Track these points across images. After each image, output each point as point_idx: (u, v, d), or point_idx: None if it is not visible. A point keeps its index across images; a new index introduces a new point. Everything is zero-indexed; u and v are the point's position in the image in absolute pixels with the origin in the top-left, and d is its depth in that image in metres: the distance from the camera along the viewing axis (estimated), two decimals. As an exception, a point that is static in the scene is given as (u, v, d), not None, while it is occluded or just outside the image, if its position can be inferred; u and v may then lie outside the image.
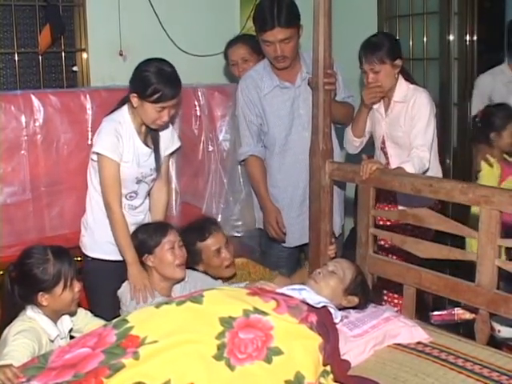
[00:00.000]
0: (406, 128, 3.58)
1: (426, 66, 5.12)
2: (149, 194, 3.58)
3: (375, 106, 3.74)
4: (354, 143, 3.80)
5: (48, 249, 2.87)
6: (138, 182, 3.43)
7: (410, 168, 3.31)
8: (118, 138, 3.29)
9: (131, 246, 3.27)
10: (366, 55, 3.59)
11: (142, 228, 3.35)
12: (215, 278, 3.44)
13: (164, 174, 3.59)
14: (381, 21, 5.33)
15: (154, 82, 3.21)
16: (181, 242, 3.30)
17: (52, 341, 2.82)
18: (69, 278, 2.83)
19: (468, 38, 4.86)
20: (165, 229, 3.29)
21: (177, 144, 3.63)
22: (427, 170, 3.48)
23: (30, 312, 2.84)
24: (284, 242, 3.94)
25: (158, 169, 3.49)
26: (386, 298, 3.89)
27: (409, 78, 3.72)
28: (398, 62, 3.61)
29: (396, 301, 3.83)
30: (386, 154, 3.75)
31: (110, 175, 3.29)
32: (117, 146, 3.28)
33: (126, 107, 3.38)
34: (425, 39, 5.12)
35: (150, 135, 3.45)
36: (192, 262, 3.39)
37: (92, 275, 3.45)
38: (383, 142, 3.73)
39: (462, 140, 4.99)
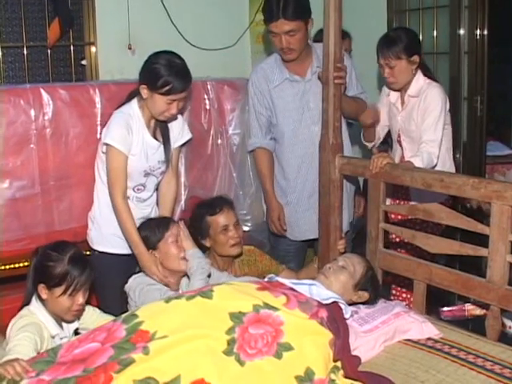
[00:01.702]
0: (419, 122, 3.57)
1: (435, 60, 5.09)
2: (157, 187, 3.58)
3: (392, 100, 3.74)
4: (368, 145, 3.88)
5: (70, 251, 2.87)
6: (146, 174, 3.43)
7: (418, 163, 3.30)
8: (128, 131, 3.29)
9: (137, 236, 3.26)
10: (383, 49, 3.58)
11: (144, 224, 3.35)
12: (221, 255, 3.48)
13: (173, 166, 3.58)
14: (391, 15, 5.31)
15: (165, 74, 3.20)
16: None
17: (53, 337, 2.82)
18: (72, 287, 2.81)
19: (478, 32, 4.82)
20: (167, 223, 3.32)
21: (187, 136, 3.62)
22: (435, 166, 3.46)
23: (34, 307, 2.86)
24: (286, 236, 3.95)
25: (167, 161, 3.48)
26: (393, 291, 3.88)
27: (428, 73, 3.70)
28: (416, 58, 3.59)
29: (404, 295, 3.83)
30: (401, 147, 3.75)
31: (118, 167, 3.28)
32: (126, 139, 3.28)
33: (135, 100, 3.38)
34: (435, 33, 5.09)
35: (159, 128, 3.45)
36: (199, 235, 3.44)
37: (99, 269, 3.41)
38: (399, 136, 3.72)
39: (472, 134, 4.96)
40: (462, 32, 4.88)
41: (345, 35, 4.52)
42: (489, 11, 4.82)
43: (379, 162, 3.15)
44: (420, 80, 3.63)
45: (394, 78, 3.60)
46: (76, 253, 2.89)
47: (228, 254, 3.49)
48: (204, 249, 3.46)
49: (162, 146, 3.44)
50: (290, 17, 3.51)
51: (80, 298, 2.85)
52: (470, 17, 4.84)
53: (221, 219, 3.47)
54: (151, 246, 3.26)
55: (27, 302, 2.90)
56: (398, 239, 3.74)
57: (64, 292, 2.81)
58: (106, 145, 3.30)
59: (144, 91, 3.27)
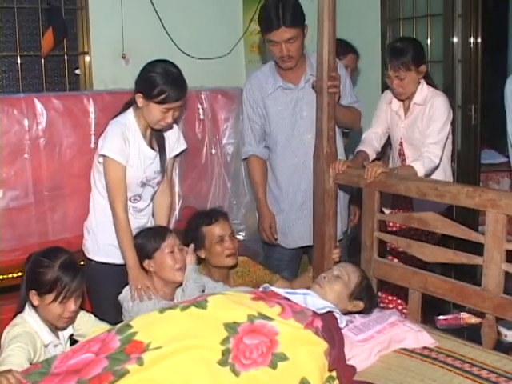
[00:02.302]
0: (423, 130, 3.58)
1: (430, 68, 5.07)
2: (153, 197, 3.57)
3: (394, 108, 3.74)
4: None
5: (61, 257, 2.86)
6: (143, 185, 3.42)
7: (419, 167, 3.33)
8: (125, 141, 3.29)
9: (133, 250, 3.26)
10: (392, 61, 3.57)
11: (141, 233, 3.34)
12: (216, 266, 3.46)
13: (168, 176, 3.58)
14: (384, 23, 5.33)
15: (161, 82, 3.20)
16: (181, 246, 3.31)
17: (45, 346, 2.81)
18: (63, 294, 2.80)
19: (472, 40, 4.83)
20: (163, 233, 3.30)
21: (182, 146, 3.62)
22: (437, 167, 3.47)
23: (27, 314, 2.85)
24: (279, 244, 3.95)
25: (163, 171, 3.48)
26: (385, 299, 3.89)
27: (430, 82, 3.72)
28: (423, 67, 3.61)
29: (394, 303, 3.84)
30: (403, 156, 3.75)
31: (117, 178, 3.28)
32: (123, 150, 3.28)
33: (131, 110, 3.38)
34: (428, 41, 5.10)
35: (155, 137, 3.44)
36: (194, 247, 3.41)
37: (94, 279, 3.43)
38: (401, 144, 3.73)
39: (467, 143, 4.96)
40: (455, 40, 4.90)
41: (349, 50, 4.51)
42: (482, 19, 4.83)
43: (374, 172, 3.15)
44: (424, 88, 3.64)
45: (402, 88, 3.60)
46: (67, 259, 2.87)
47: (223, 265, 3.46)
48: (199, 260, 3.45)
49: (158, 156, 3.44)
50: (290, 24, 3.52)
51: (72, 305, 2.84)
52: (463, 25, 4.86)
53: (216, 230, 3.45)
54: (147, 255, 3.25)
55: (21, 310, 2.89)
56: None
57: (55, 299, 2.79)
58: (104, 156, 3.29)
59: (140, 100, 3.27)
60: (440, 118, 3.53)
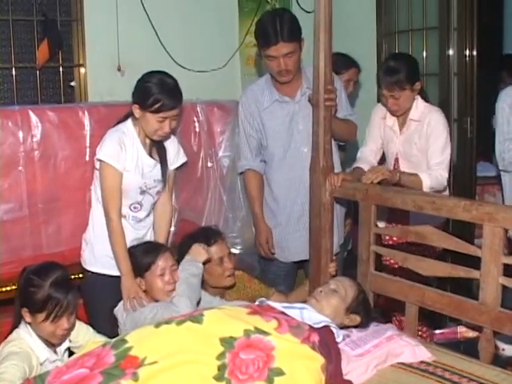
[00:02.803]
0: (421, 146, 3.58)
1: (425, 81, 5.09)
2: (153, 209, 3.55)
3: (389, 123, 3.73)
4: None
5: (53, 275, 2.82)
6: (142, 192, 3.40)
7: (426, 179, 3.36)
8: (122, 147, 3.28)
9: (126, 257, 3.24)
10: (385, 81, 3.56)
11: (137, 248, 3.31)
12: (215, 287, 3.42)
13: (168, 189, 3.56)
14: (380, 36, 5.34)
15: (155, 92, 3.21)
16: (174, 266, 3.24)
17: (41, 364, 2.78)
18: (54, 313, 2.77)
19: (467, 52, 4.83)
20: (156, 252, 3.24)
21: (182, 159, 3.61)
22: (443, 191, 3.47)
23: (23, 330, 2.83)
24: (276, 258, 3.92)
25: (163, 181, 3.46)
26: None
27: (423, 96, 3.71)
28: (418, 84, 3.60)
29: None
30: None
31: (112, 183, 3.27)
32: (119, 155, 3.27)
33: (129, 120, 3.38)
34: (424, 54, 5.11)
35: (155, 147, 3.44)
36: None
37: (91, 290, 3.43)
38: (396, 160, 3.72)
39: (462, 156, 4.96)
40: (451, 53, 4.90)
41: (352, 64, 4.51)
42: (477, 32, 4.84)
43: (374, 178, 3.16)
44: (420, 104, 3.64)
45: (397, 106, 3.60)
46: (59, 277, 2.83)
47: (223, 285, 3.42)
48: None
49: (158, 165, 3.43)
50: (288, 39, 3.52)
51: (64, 323, 2.81)
52: (458, 38, 4.86)
53: (216, 251, 3.39)
54: (138, 273, 3.22)
55: (16, 324, 2.86)
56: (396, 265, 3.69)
57: (46, 318, 2.76)
58: (100, 161, 3.29)
59: (136, 111, 3.28)
60: (440, 136, 3.54)
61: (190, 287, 3.08)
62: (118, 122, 3.41)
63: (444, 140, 3.53)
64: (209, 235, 3.45)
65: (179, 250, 3.42)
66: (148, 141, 3.40)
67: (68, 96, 4.82)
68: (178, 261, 3.30)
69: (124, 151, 3.29)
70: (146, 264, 3.20)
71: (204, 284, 3.40)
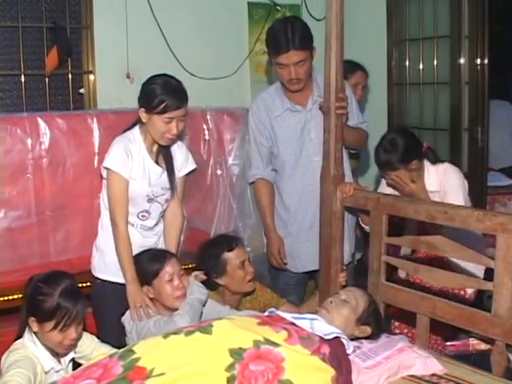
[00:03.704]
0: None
1: (436, 90, 5.09)
2: (163, 216, 3.53)
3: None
4: (366, 229, 3.64)
5: (62, 284, 2.78)
6: (150, 200, 3.38)
7: None
8: (128, 155, 3.27)
9: (132, 265, 3.23)
10: (378, 163, 3.48)
11: (142, 256, 3.29)
12: (235, 292, 3.41)
13: (178, 196, 3.52)
14: (390, 45, 5.33)
15: (159, 93, 3.20)
16: (182, 271, 3.24)
17: (46, 372, 2.75)
18: (62, 322, 2.73)
19: (479, 61, 4.79)
20: (162, 259, 3.23)
21: (192, 166, 3.57)
22: None
23: (28, 339, 2.80)
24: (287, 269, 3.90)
25: (171, 189, 3.44)
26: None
27: (433, 155, 3.58)
28: (415, 163, 3.44)
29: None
30: None
31: (118, 190, 3.26)
32: (126, 163, 3.26)
33: (137, 127, 3.37)
34: (435, 63, 5.09)
35: (162, 155, 3.41)
36: (214, 274, 3.36)
37: (99, 297, 3.42)
38: None
39: (473, 165, 4.92)
40: (462, 61, 4.87)
41: (356, 67, 4.47)
42: (489, 40, 4.80)
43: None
44: (431, 172, 3.51)
45: (401, 185, 3.47)
46: (68, 286, 2.79)
47: (243, 291, 3.44)
48: (213, 287, 3.40)
49: (165, 173, 3.41)
50: (299, 47, 3.50)
51: (72, 333, 2.77)
52: (470, 46, 4.83)
53: (238, 255, 3.41)
54: (146, 282, 3.20)
55: (21, 334, 2.83)
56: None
57: (54, 327, 2.73)
58: (106, 169, 3.28)
59: (143, 115, 3.27)
60: (457, 200, 3.34)
61: (192, 309, 3.06)
62: (126, 130, 3.39)
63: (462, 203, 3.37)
64: (230, 240, 3.47)
65: (203, 261, 3.43)
66: (155, 148, 3.38)
67: (77, 103, 4.80)
68: (200, 268, 3.34)
69: (130, 159, 3.28)
70: (153, 271, 3.19)
71: (223, 291, 3.40)
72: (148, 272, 3.20)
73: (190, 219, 3.94)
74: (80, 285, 3.07)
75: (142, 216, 3.40)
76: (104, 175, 3.33)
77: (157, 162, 3.39)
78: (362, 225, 3.63)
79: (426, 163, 3.53)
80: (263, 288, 3.59)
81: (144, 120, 3.28)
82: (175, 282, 3.17)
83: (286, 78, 3.61)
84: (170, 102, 3.19)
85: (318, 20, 4.86)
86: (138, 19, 4.76)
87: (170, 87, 3.23)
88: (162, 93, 3.20)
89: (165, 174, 3.41)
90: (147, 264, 3.22)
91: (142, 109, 3.26)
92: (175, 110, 3.22)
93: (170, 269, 3.18)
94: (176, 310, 3.14)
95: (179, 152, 3.49)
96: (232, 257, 3.39)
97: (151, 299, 3.20)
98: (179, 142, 3.51)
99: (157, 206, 3.43)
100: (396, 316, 3.54)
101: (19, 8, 4.48)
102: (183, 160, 3.51)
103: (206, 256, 3.41)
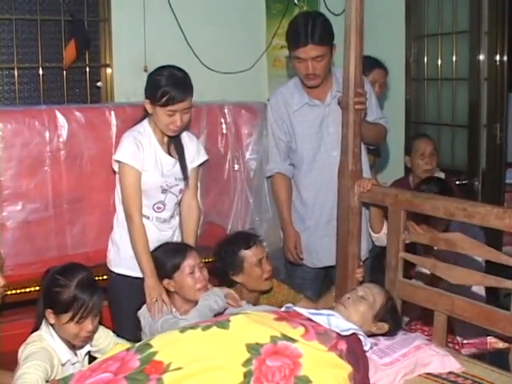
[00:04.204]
0: None
1: (454, 86, 5.04)
2: (179, 209, 3.53)
3: None
4: (372, 236, 3.65)
5: (78, 276, 2.79)
6: (164, 191, 3.38)
7: None
8: (138, 147, 3.27)
9: (149, 258, 3.23)
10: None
11: (160, 250, 3.30)
12: (252, 290, 3.40)
13: (192, 187, 3.51)
14: (409, 40, 5.29)
15: (163, 84, 3.20)
16: (201, 264, 3.25)
17: (63, 364, 2.75)
18: (79, 314, 2.73)
19: (498, 57, 4.74)
20: (183, 251, 3.24)
21: (204, 157, 3.57)
22: None
23: (45, 331, 2.80)
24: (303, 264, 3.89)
25: (185, 179, 3.43)
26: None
27: None
28: None
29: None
30: None
31: (131, 184, 3.26)
32: (137, 154, 3.26)
33: (146, 119, 3.38)
34: (454, 59, 5.04)
35: (174, 145, 3.42)
36: (231, 271, 3.35)
37: (115, 291, 3.43)
38: None
39: (492, 162, 4.88)
40: (481, 58, 4.82)
41: (375, 65, 4.44)
42: (509, 36, 4.76)
43: None
44: None
45: None
46: (85, 278, 2.80)
47: (260, 289, 3.42)
48: (230, 284, 3.38)
49: (178, 163, 3.41)
50: (318, 42, 3.49)
51: (89, 325, 2.77)
52: (489, 42, 4.78)
53: (256, 252, 3.39)
54: (167, 275, 3.20)
55: (38, 326, 2.84)
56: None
57: (71, 319, 2.73)
58: (118, 162, 3.28)
59: (148, 106, 3.27)
60: None
61: (201, 317, 3.01)
62: (135, 124, 3.40)
63: None
64: (248, 237, 3.45)
65: (220, 258, 3.42)
66: (165, 139, 3.38)
67: (94, 96, 4.82)
68: (218, 265, 3.35)
69: (141, 150, 3.28)
70: (174, 264, 3.19)
71: (240, 289, 3.39)
72: (169, 265, 3.20)
73: (206, 214, 3.94)
74: (96, 278, 3.06)
75: (158, 208, 3.40)
76: (116, 169, 3.34)
77: (169, 153, 3.39)
78: (371, 232, 3.59)
79: None
80: (280, 285, 3.57)
81: (149, 111, 3.28)
82: (196, 274, 3.18)
83: (303, 73, 3.61)
84: (174, 94, 3.18)
85: (336, 15, 4.83)
86: (156, 13, 4.77)
87: (174, 79, 3.22)
88: (166, 84, 3.19)
89: (178, 165, 3.41)
90: (168, 257, 3.22)
91: (147, 100, 3.26)
92: (178, 103, 3.21)
93: (191, 261, 3.19)
94: (197, 302, 3.14)
95: (190, 143, 3.49)
96: (249, 254, 3.37)
97: (170, 293, 3.20)
98: (190, 134, 3.52)
99: (171, 197, 3.43)
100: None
101: (38, 1, 4.52)
102: (195, 151, 3.51)
103: (223, 252, 3.41)
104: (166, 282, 3.20)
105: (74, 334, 2.77)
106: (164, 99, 3.18)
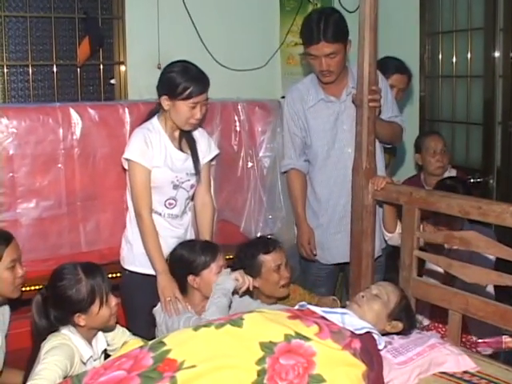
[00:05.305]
0: None
1: (469, 83, 5.01)
2: (192, 205, 3.53)
3: None
4: (385, 236, 3.62)
5: (78, 267, 2.80)
6: (175, 187, 3.39)
7: None
8: (147, 144, 3.29)
9: (161, 255, 3.25)
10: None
11: (188, 245, 3.30)
12: (268, 296, 3.40)
13: (205, 183, 3.54)
14: (423, 37, 5.26)
15: (182, 80, 3.24)
16: (226, 264, 3.26)
17: (84, 363, 2.75)
18: (104, 294, 2.77)
19: (514, 55, 4.73)
20: (215, 252, 3.24)
21: (215, 151, 3.59)
22: None
23: (66, 330, 2.78)
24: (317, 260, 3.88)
25: (197, 174, 3.45)
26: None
27: None
28: None
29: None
30: None
31: (140, 181, 3.28)
32: (145, 153, 3.28)
33: (155, 117, 3.40)
34: (469, 56, 5.01)
35: (185, 140, 3.44)
36: (249, 275, 3.30)
37: (129, 289, 3.44)
38: None
39: (506, 159, 4.85)
40: (496, 55, 4.78)
41: (393, 70, 4.33)
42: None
43: None
44: None
45: None
46: (84, 265, 2.82)
47: (276, 295, 3.42)
48: (248, 289, 3.32)
49: (190, 158, 3.42)
50: (331, 39, 3.49)
51: (113, 300, 2.82)
52: (505, 39, 4.74)
53: (274, 258, 3.40)
54: (193, 271, 3.19)
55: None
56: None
57: (100, 305, 2.76)
58: (127, 160, 3.30)
59: (165, 102, 3.29)
60: None
61: (219, 309, 3.01)
62: (143, 122, 3.41)
63: None
64: (268, 242, 3.47)
65: (239, 260, 3.44)
66: (177, 134, 3.40)
67: (108, 94, 4.83)
68: (236, 268, 3.30)
69: (150, 148, 3.30)
70: (205, 262, 3.20)
71: (257, 294, 3.40)
72: (197, 262, 3.20)
73: (219, 211, 3.93)
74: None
75: (169, 204, 3.40)
76: (126, 167, 3.35)
77: (180, 149, 3.41)
78: (384, 232, 3.57)
79: None
80: (296, 289, 3.59)
81: (166, 108, 3.30)
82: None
83: (318, 70, 3.61)
84: (195, 87, 3.23)
85: (351, 12, 4.81)
86: (170, 10, 4.77)
87: (191, 73, 3.27)
88: (185, 80, 3.23)
89: (189, 160, 3.42)
90: (195, 254, 3.22)
91: (165, 96, 3.28)
92: (199, 95, 3.25)
93: (221, 262, 3.22)
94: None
95: (201, 138, 3.51)
96: (268, 259, 3.38)
97: (189, 289, 3.20)
98: (200, 129, 3.53)
99: (183, 193, 3.43)
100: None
101: (52, -1, 4.52)
102: (206, 146, 3.53)
103: (242, 255, 3.43)
104: (191, 277, 3.19)
105: (108, 316, 2.81)
106: (186, 93, 3.22)
